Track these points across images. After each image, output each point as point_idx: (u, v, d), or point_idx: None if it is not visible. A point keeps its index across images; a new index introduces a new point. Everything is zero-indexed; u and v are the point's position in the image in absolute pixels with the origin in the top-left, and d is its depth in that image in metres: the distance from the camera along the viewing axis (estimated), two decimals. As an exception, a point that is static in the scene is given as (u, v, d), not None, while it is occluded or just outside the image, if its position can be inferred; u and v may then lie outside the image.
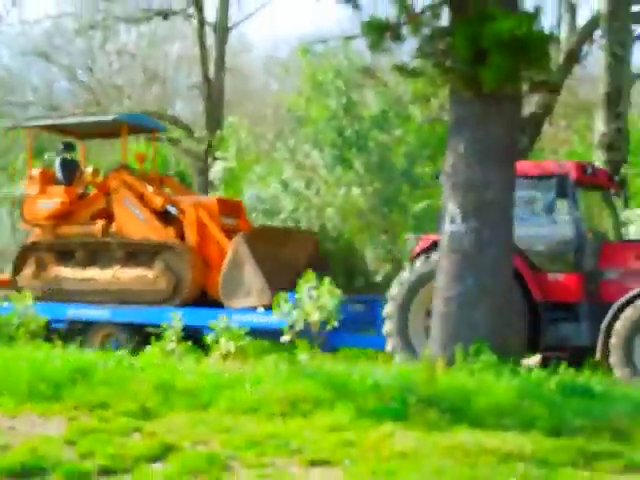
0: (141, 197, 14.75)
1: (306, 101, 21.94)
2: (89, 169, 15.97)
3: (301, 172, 19.35)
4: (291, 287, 12.05)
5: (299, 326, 12.00)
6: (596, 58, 20.85)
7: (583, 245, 11.74)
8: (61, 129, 18.20)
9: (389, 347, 12.88)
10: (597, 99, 19.88)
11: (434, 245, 11.81)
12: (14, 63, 29.77)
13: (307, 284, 12.02)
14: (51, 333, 13.69)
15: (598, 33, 20.00)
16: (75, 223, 15.41)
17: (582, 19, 21.18)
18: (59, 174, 16.13)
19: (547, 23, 17.66)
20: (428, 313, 11.86)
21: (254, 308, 12.95)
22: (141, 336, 13.82)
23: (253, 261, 13.15)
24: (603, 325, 11.05)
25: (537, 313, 11.68)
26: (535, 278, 11.78)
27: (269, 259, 13.31)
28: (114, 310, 14.23)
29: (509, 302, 11.55)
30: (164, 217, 14.60)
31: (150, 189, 14.85)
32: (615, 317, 10.94)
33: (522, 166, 12.05)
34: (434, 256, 11.73)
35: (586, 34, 20.70)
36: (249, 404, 9.18)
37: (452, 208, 10.94)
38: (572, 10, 21.37)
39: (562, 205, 12.13)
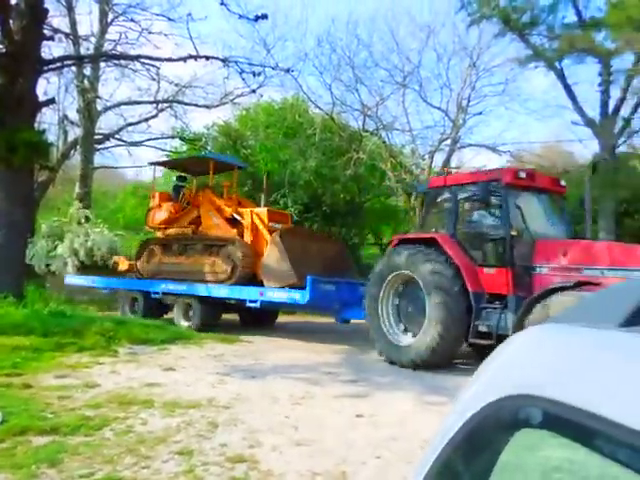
0: (218, 209, 12.46)
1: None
2: (186, 189, 13.94)
3: None
4: (318, 274, 10.15)
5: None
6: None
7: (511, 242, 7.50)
8: (170, 165, 15.97)
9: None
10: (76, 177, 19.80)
11: (400, 242, 8.69)
12: None
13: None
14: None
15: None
16: (178, 226, 13.14)
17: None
18: (173, 194, 13.81)
19: (52, 137, 17.23)
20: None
21: (282, 287, 10.35)
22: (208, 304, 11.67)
23: (284, 251, 10.44)
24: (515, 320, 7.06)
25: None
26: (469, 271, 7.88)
27: (299, 251, 10.60)
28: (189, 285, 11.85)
29: (24, 272, 11.26)
30: (232, 222, 12.16)
31: (223, 203, 12.55)
32: (527, 311, 6.90)
33: (461, 176, 8.93)
34: (399, 250, 8.42)
35: (72, 145, 20.23)
36: None
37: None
38: (65, 132, 21.19)
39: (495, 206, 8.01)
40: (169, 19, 17.08)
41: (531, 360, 0.78)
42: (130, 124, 21.71)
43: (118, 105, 20.88)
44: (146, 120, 21.51)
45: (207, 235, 12.39)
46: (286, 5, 40.34)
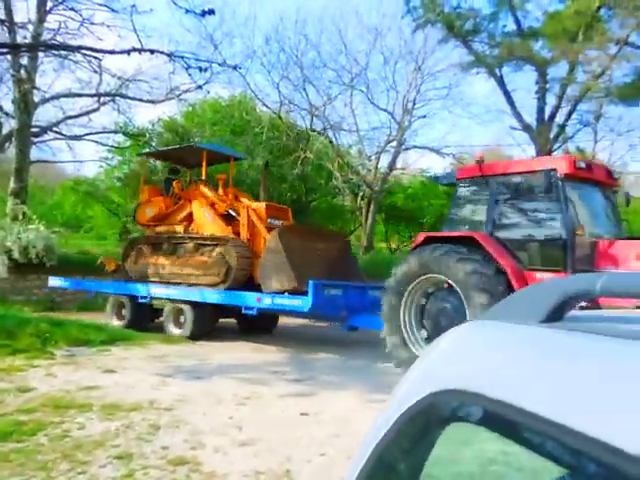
0: (212, 204, 11.22)
1: None
2: (175, 183, 12.23)
3: None
4: (322, 277, 9.06)
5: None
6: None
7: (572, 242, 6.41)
8: (161, 156, 14.43)
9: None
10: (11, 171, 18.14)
11: (427, 240, 7.36)
12: None
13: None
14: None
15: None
16: (169, 224, 11.85)
17: None
18: (164, 189, 12.44)
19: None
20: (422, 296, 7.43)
21: (282, 292, 9.10)
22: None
23: (283, 252, 9.20)
24: None
25: None
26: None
27: (300, 252, 9.39)
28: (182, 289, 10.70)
29: None
30: (227, 218, 10.96)
31: (217, 198, 11.25)
32: None
33: (502, 165, 7.50)
34: (427, 250, 7.14)
35: (6, 137, 19.46)
36: None
37: None
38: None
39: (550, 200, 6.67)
40: (112, 10, 16.50)
41: (460, 356, 0.80)
42: (70, 117, 20.93)
43: (57, 97, 20.06)
44: (87, 114, 20.79)
45: (199, 233, 11.19)
46: (234, 0, 39.96)
